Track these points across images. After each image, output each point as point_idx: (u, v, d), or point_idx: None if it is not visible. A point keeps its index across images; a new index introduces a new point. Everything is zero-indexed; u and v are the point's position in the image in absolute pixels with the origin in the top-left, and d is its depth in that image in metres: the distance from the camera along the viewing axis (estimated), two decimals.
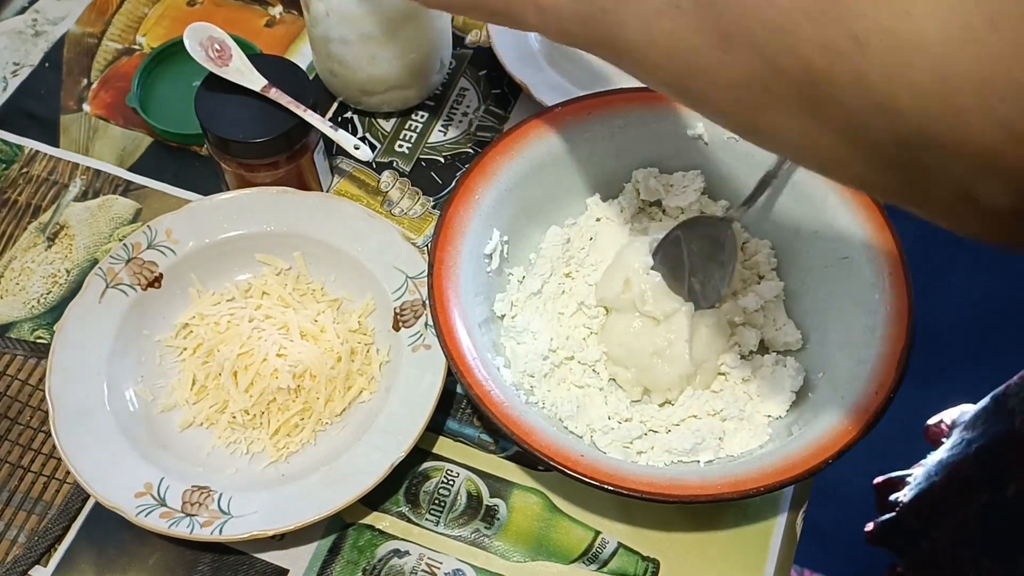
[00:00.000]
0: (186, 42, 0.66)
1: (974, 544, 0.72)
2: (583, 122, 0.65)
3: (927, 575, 0.76)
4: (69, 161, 0.75)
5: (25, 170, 0.74)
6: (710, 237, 0.63)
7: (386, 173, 0.74)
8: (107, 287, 0.63)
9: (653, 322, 0.61)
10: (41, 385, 0.64)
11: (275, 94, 0.65)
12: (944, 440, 0.79)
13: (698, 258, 0.63)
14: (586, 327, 0.64)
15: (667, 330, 0.60)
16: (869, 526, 0.83)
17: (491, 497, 0.61)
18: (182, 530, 0.55)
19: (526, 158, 0.64)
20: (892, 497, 0.81)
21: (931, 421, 0.83)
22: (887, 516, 0.81)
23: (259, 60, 0.67)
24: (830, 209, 0.62)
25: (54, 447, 0.58)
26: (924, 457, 0.80)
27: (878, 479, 0.84)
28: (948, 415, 0.82)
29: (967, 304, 1.56)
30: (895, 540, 0.80)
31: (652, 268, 0.61)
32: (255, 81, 0.66)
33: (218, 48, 0.66)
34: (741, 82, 0.32)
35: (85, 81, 0.79)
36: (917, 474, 0.80)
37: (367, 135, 0.76)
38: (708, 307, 0.62)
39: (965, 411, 0.80)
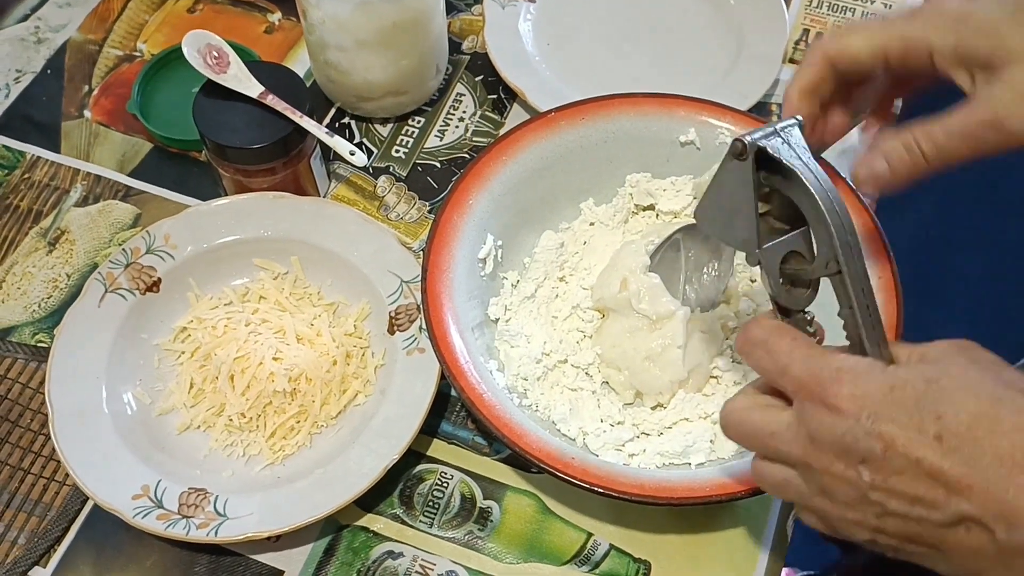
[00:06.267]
0: (184, 49, 0.67)
1: None
2: (577, 127, 0.66)
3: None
4: (70, 167, 0.75)
5: (27, 176, 0.75)
6: (710, 244, 0.64)
7: (383, 178, 0.75)
8: (106, 292, 0.64)
9: (648, 325, 0.61)
10: (41, 388, 0.65)
11: (272, 101, 0.66)
12: None
13: (695, 263, 0.64)
14: (580, 331, 0.65)
15: (661, 335, 0.61)
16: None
17: (484, 499, 0.61)
18: (179, 531, 0.56)
19: (520, 163, 0.65)
20: None
21: None
22: None
23: (257, 67, 0.68)
24: None
25: (53, 450, 0.59)
26: None
27: None
28: None
29: (963, 313, 1.56)
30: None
31: (650, 269, 0.62)
32: (252, 88, 0.66)
33: (216, 55, 0.67)
34: None
35: (86, 87, 0.80)
36: None
37: (364, 140, 0.76)
38: (702, 312, 0.62)
39: None
